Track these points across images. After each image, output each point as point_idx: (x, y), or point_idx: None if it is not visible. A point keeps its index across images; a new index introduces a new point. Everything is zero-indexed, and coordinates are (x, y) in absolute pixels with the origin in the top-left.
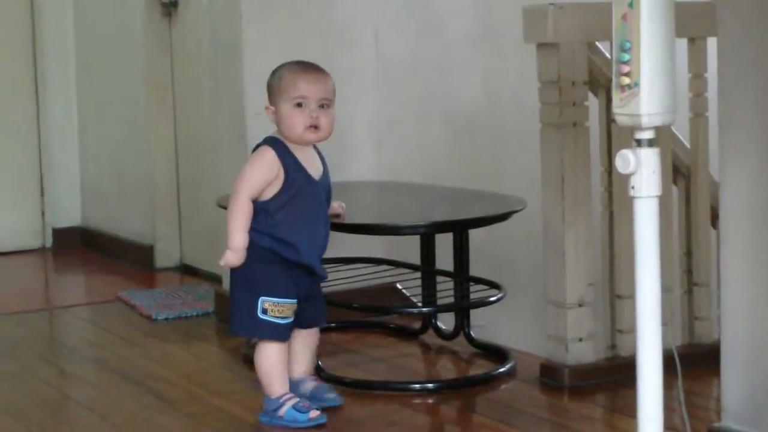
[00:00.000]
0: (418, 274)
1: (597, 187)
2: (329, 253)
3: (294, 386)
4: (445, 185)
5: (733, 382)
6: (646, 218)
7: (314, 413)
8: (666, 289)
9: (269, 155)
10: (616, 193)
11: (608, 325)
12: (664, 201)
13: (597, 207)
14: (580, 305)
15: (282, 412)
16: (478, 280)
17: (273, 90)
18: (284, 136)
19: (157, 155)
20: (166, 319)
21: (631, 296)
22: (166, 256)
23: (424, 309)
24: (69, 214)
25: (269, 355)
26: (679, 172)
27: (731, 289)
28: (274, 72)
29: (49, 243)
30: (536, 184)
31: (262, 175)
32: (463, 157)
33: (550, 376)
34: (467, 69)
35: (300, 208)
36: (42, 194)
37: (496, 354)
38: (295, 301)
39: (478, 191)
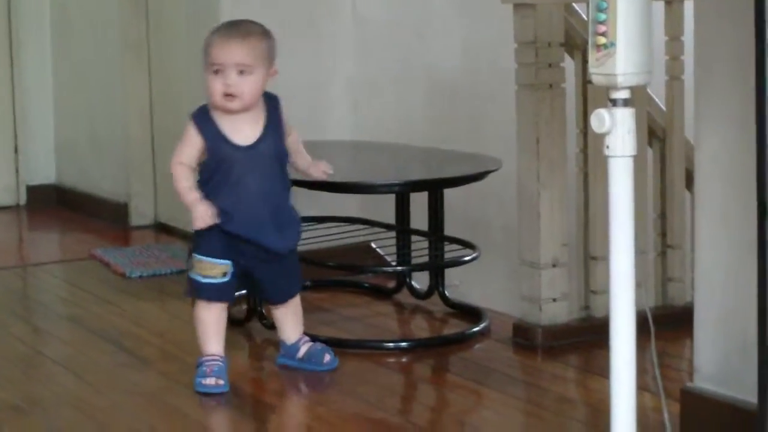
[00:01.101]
0: (393, 234)
1: (572, 148)
2: (302, 212)
3: (290, 351)
4: (421, 146)
5: (706, 343)
6: (620, 178)
7: (210, 380)
8: (640, 251)
9: (189, 129)
10: (591, 155)
11: (582, 285)
12: (638, 163)
13: (572, 169)
14: (554, 266)
15: (197, 372)
16: (453, 240)
17: (203, 58)
18: (210, 103)
19: (132, 114)
20: (141, 276)
21: (605, 257)
22: (140, 214)
23: (398, 268)
24: (44, 172)
25: (196, 315)
26: (655, 135)
27: (705, 252)
28: None
29: (23, 201)
30: (513, 146)
31: (188, 148)
32: (440, 119)
33: (524, 336)
34: (446, 30)
35: (228, 177)
36: (16, 152)
37: (470, 314)
38: (224, 262)
39: (453, 151)
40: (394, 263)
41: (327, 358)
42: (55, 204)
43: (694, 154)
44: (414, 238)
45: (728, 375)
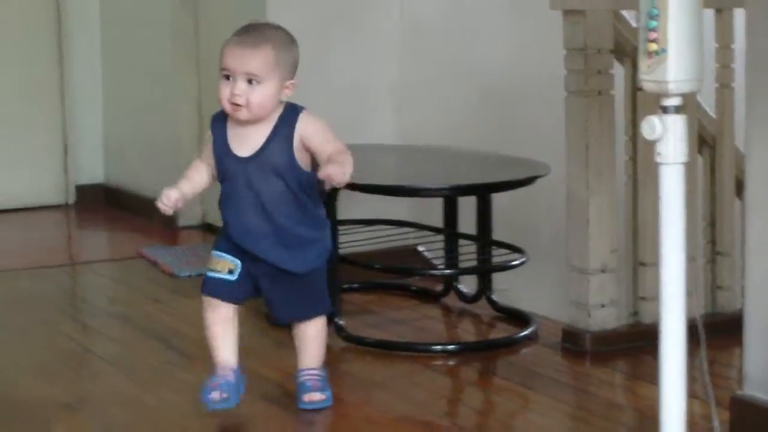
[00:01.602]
0: (440, 237)
1: (621, 155)
2: (350, 214)
3: (296, 378)
4: (470, 149)
5: (756, 351)
6: (672, 184)
7: (212, 396)
8: (690, 258)
9: (208, 129)
10: (640, 162)
11: (630, 292)
12: (688, 170)
13: (620, 175)
14: (602, 271)
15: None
16: (501, 244)
17: None
18: None
19: (180, 114)
20: (189, 276)
21: (655, 264)
22: (188, 214)
23: (447, 271)
24: (92, 172)
25: (204, 324)
26: (705, 142)
27: (755, 260)
28: None
29: (72, 200)
30: (561, 151)
31: (207, 147)
32: (487, 123)
33: (572, 342)
34: (494, 33)
35: (227, 186)
36: (66, 151)
37: (518, 318)
38: (232, 259)
39: (502, 156)
40: (441, 267)
41: (308, 397)
42: (104, 203)
43: (744, 162)
44: (461, 242)
45: None
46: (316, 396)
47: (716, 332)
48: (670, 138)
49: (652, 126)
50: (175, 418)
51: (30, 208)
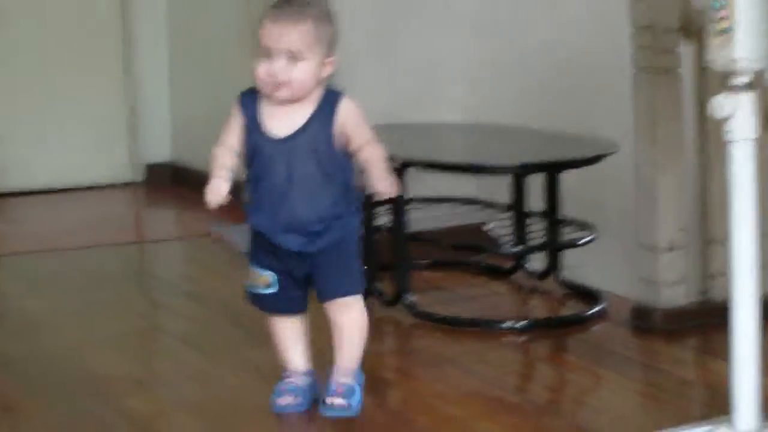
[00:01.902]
0: (508, 215)
1: (689, 133)
2: (419, 192)
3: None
4: (536, 127)
5: None
6: (742, 161)
7: (283, 400)
8: (762, 234)
9: (234, 109)
10: (709, 139)
11: (700, 269)
12: (757, 147)
13: (689, 153)
14: (671, 249)
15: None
16: (570, 222)
17: None
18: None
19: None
20: None
21: (724, 241)
22: None
23: (516, 248)
24: (161, 151)
25: (268, 326)
26: None
27: None
28: None
29: (141, 178)
30: (628, 129)
31: (228, 127)
32: (556, 101)
33: (642, 319)
34: (565, 9)
35: (258, 169)
36: (134, 130)
37: (587, 295)
38: (268, 273)
39: (570, 133)
40: (510, 244)
41: (330, 399)
42: (171, 182)
43: None
44: (528, 220)
45: None
46: (338, 401)
47: None
48: (739, 115)
49: (721, 104)
50: (245, 395)
51: (100, 187)
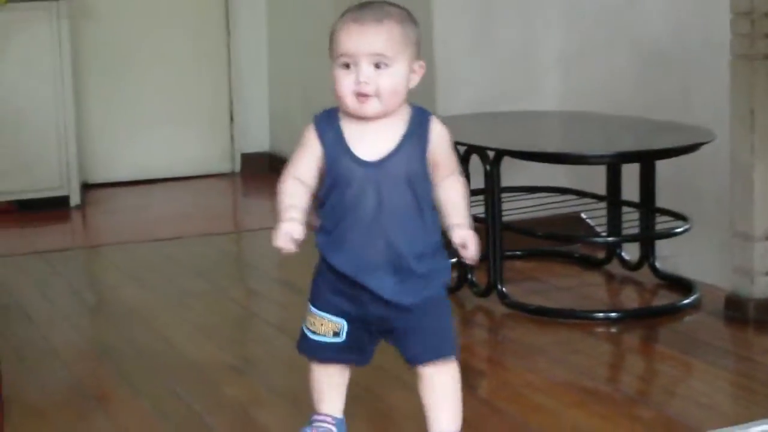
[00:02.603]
0: (603, 204)
1: None
2: (513, 182)
3: None
4: (632, 116)
5: None
6: None
7: None
8: None
9: (307, 132)
10: None
11: None
12: None
13: None
14: (767, 238)
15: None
16: (665, 212)
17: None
18: (340, 106)
19: None
20: None
21: None
22: None
23: (610, 238)
24: (258, 141)
25: (310, 368)
26: None
27: None
28: None
29: (238, 168)
30: (722, 116)
31: (306, 158)
32: (649, 89)
33: (735, 309)
34: None
35: (343, 198)
36: (231, 120)
37: (681, 285)
38: (337, 320)
39: (665, 122)
40: (604, 234)
41: None
42: (268, 171)
43: None
44: (623, 209)
45: None
46: None
47: None
48: None
49: None
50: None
51: (198, 176)
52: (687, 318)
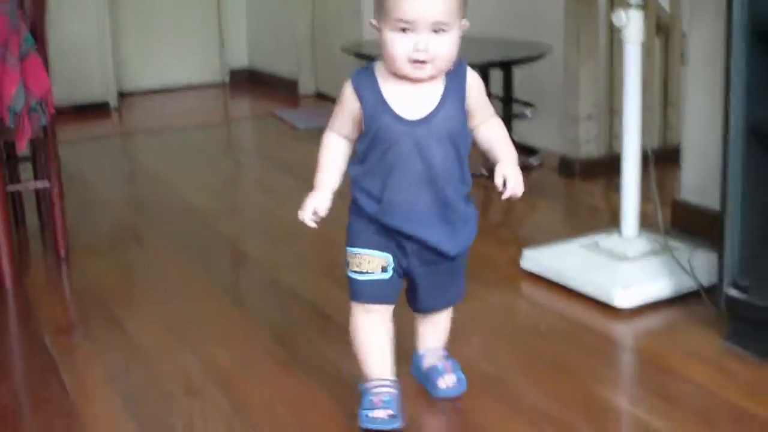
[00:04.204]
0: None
1: (602, 38)
2: None
3: (416, 361)
4: (495, 35)
5: (689, 169)
6: (633, 57)
7: (379, 413)
8: (647, 107)
9: (346, 90)
10: (614, 43)
11: (606, 132)
12: (647, 46)
13: (601, 52)
14: (588, 118)
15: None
16: (520, 101)
17: (376, 4)
18: (386, 66)
19: (299, 14)
20: (306, 128)
21: (621, 112)
22: (306, 86)
23: None
24: (240, 59)
25: (352, 329)
26: (660, 28)
27: (691, 107)
28: None
29: (226, 79)
30: (561, 34)
31: (340, 112)
32: (506, 14)
33: (567, 167)
34: None
35: (385, 157)
36: (222, 44)
37: (529, 151)
38: (380, 254)
39: (520, 41)
40: None
41: (444, 382)
42: (248, 81)
43: (686, 41)
44: (492, 100)
45: (704, 189)
46: (452, 379)
47: (666, 159)
48: (632, 26)
49: (620, 17)
50: (299, 223)
51: (197, 86)
52: (533, 173)
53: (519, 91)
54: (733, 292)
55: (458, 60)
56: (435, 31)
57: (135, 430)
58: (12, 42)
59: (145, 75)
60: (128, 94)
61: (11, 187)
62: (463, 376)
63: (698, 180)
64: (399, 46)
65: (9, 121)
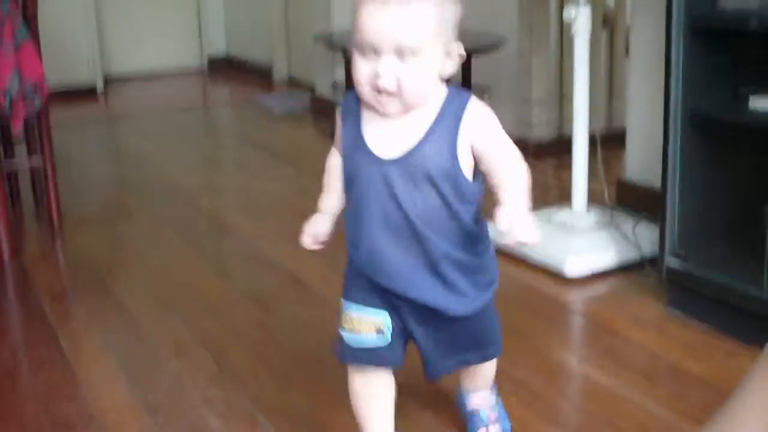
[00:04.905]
0: None
1: (553, 30)
2: None
3: (460, 398)
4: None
5: (633, 151)
6: (581, 47)
7: None
8: (595, 94)
9: (337, 118)
10: (564, 34)
11: (557, 115)
12: (594, 38)
13: (553, 42)
14: (541, 102)
15: None
16: (476, 86)
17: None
18: None
19: (274, 3)
20: (281, 112)
21: (571, 97)
22: (279, 72)
23: None
24: (218, 46)
25: (350, 386)
26: (606, 21)
27: (635, 93)
28: None
29: (205, 66)
30: (516, 27)
31: (337, 132)
32: (467, 2)
33: (520, 147)
34: None
35: (358, 196)
36: (200, 33)
37: None
38: (374, 313)
39: (478, 31)
40: None
41: (490, 424)
42: (226, 68)
43: (630, 33)
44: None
45: (648, 170)
46: (494, 430)
47: (612, 141)
48: (580, 19)
49: (570, 13)
50: (283, 194)
51: (177, 73)
52: None
53: (476, 76)
54: (673, 262)
55: (457, 91)
56: (400, 57)
57: (128, 389)
58: (6, 29)
59: (129, 61)
60: (113, 80)
61: (7, 165)
62: (508, 426)
63: (641, 161)
64: (361, 69)
65: (5, 104)
